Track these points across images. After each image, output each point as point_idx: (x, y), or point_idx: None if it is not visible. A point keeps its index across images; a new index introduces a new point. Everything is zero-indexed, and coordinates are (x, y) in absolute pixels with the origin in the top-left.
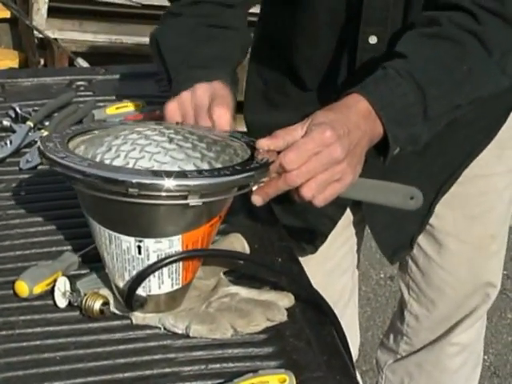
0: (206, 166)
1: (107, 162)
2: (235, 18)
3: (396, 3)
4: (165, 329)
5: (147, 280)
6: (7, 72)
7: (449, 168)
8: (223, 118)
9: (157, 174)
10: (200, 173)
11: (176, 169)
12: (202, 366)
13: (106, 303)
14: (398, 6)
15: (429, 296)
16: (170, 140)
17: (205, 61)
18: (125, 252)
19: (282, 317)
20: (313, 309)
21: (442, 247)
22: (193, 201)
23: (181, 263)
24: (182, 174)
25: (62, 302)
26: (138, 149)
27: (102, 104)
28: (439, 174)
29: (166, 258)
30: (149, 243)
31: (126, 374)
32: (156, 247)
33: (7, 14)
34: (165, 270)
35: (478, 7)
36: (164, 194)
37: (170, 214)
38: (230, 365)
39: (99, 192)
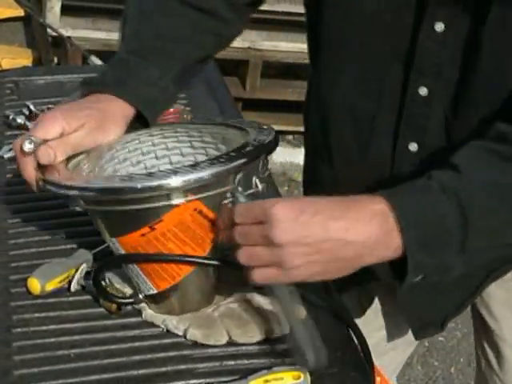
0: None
1: None
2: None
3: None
4: (167, 330)
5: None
6: (21, 70)
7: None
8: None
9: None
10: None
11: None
12: (217, 363)
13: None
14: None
15: None
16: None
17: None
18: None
19: (280, 332)
20: (327, 308)
21: (501, 356)
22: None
23: (139, 270)
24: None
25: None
26: None
27: None
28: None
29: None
30: (110, 242)
31: (141, 371)
32: (114, 247)
33: (21, 12)
34: (131, 274)
35: None
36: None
37: (93, 216)
38: (245, 362)
39: None
